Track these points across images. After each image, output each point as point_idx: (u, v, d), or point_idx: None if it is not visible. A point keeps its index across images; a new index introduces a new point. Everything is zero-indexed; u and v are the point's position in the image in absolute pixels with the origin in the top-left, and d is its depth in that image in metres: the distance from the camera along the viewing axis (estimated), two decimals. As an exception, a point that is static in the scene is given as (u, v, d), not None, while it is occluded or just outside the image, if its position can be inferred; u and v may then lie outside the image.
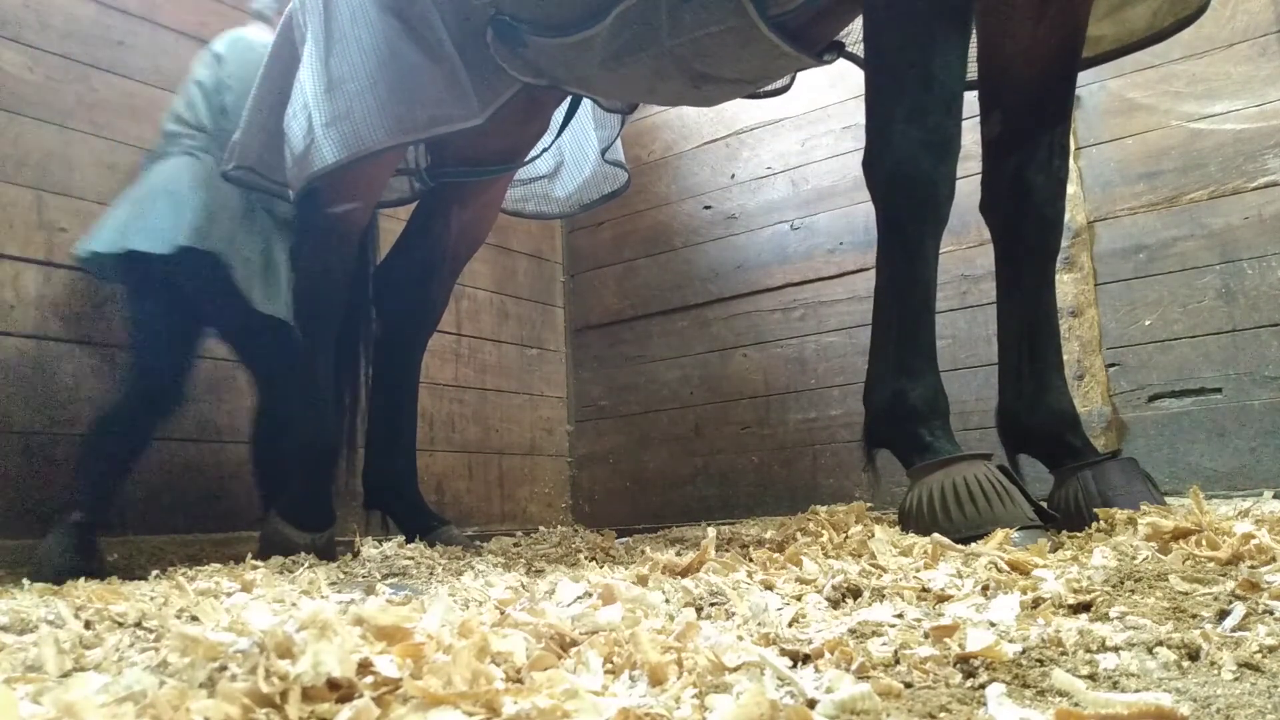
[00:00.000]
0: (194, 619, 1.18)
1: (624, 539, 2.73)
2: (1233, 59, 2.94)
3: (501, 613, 1.06)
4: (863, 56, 2.33)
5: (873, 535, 1.44)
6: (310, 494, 2.47)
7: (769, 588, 1.17)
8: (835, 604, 1.09)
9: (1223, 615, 0.90)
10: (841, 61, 2.38)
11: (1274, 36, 2.88)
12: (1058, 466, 1.84)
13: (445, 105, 2.22)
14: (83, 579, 1.79)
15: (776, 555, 1.39)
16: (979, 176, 2.02)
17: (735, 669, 0.76)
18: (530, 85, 2.32)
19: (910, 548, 1.34)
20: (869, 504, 1.80)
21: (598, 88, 2.35)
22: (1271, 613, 0.89)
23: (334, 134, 2.24)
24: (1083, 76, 3.16)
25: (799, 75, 3.85)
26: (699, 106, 3.64)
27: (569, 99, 2.80)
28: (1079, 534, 1.54)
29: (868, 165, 1.73)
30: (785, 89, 2.60)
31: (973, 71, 1.94)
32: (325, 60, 2.30)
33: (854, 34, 2.32)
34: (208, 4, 3.25)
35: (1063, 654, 0.80)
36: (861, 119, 1.75)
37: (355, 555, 2.21)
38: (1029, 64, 1.88)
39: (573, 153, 3.16)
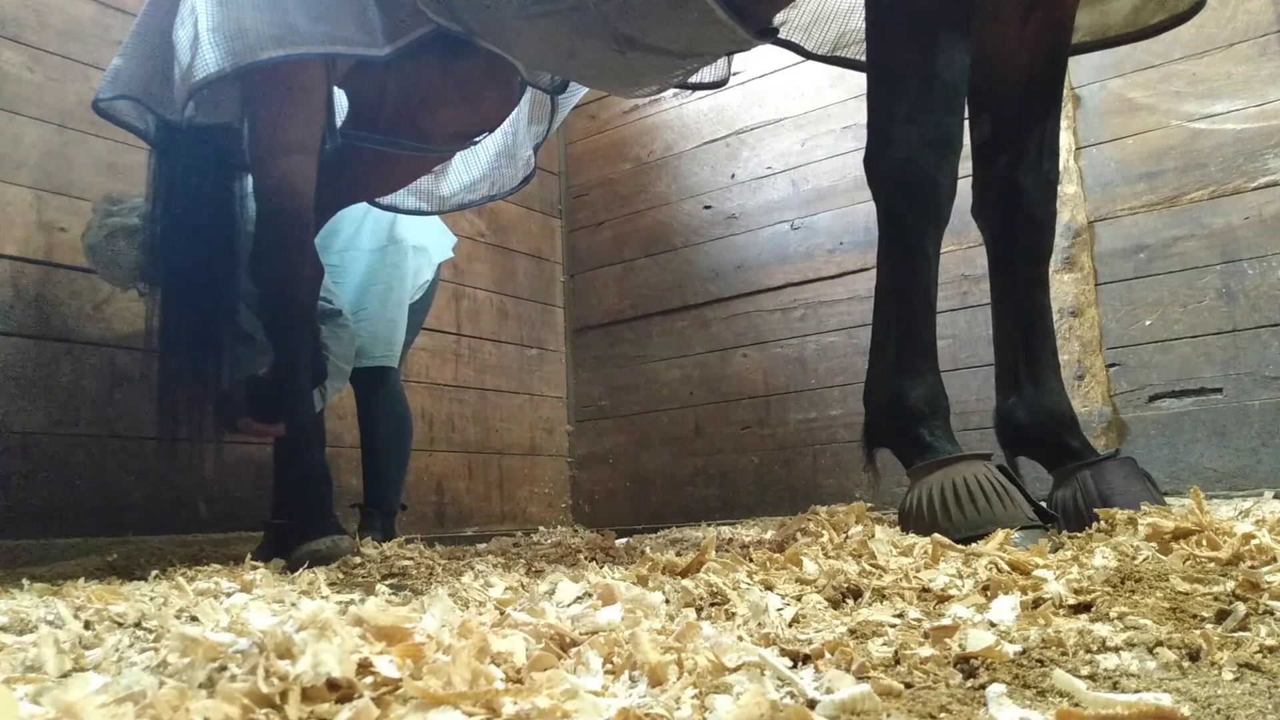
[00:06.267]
0: (194, 619, 1.18)
1: (624, 539, 2.73)
2: (1233, 59, 2.94)
3: (501, 613, 1.06)
4: (824, 55, 2.32)
5: (873, 535, 1.44)
6: (321, 507, 2.31)
7: (769, 588, 1.17)
8: (835, 604, 1.09)
9: (1223, 615, 0.90)
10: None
11: (1274, 36, 2.88)
12: (1056, 467, 1.83)
13: (346, 27, 2.08)
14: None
15: (776, 555, 1.39)
16: (981, 177, 2.01)
17: (735, 669, 0.76)
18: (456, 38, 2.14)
19: (910, 548, 1.34)
20: (869, 504, 1.79)
21: (513, 43, 2.17)
22: (1272, 613, 0.89)
23: (220, 39, 2.05)
24: (1083, 76, 3.19)
25: (794, 79, 3.89)
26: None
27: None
28: (1079, 534, 1.54)
29: (869, 163, 1.73)
30: (721, 83, 2.45)
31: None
32: None
33: (790, 22, 2.27)
34: (208, 4, 3.25)
35: (1063, 654, 0.80)
36: (862, 119, 1.75)
37: (355, 555, 2.21)
38: (1015, 66, 1.88)
39: (465, 153, 2.95)
